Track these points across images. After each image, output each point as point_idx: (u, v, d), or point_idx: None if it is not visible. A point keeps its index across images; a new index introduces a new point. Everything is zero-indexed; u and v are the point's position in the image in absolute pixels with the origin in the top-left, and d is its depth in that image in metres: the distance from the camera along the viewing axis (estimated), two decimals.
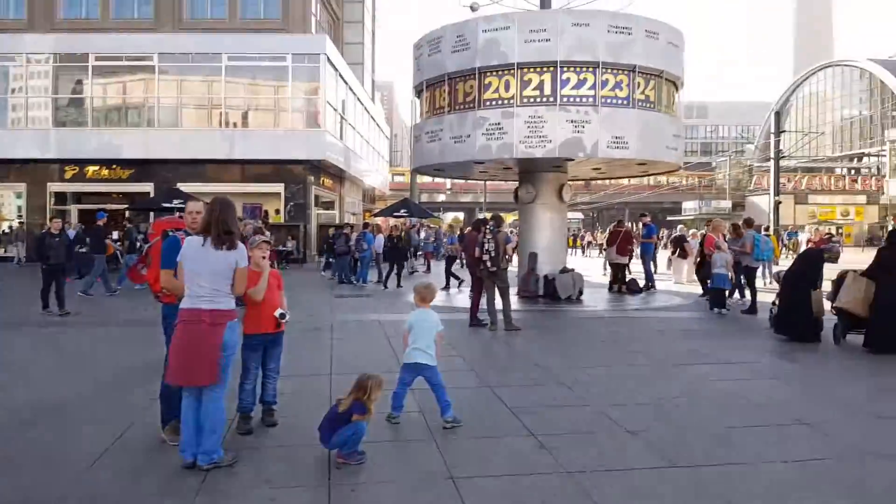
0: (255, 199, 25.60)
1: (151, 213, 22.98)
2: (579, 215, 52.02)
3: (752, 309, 12.06)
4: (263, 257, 5.12)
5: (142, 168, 25.05)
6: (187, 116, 25.60)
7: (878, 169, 59.76)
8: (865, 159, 66.24)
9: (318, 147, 25.08)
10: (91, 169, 25.36)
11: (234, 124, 25.72)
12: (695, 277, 16.10)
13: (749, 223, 13.70)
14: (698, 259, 15.44)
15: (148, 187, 25.06)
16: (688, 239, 19.09)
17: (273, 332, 5.16)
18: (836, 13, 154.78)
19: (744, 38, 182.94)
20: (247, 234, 8.58)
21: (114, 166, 25.24)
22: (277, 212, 25.41)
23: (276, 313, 5.05)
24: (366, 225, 20.50)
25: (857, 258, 22.47)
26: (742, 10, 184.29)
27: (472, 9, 14.52)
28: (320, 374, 7.04)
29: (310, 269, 22.96)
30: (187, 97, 25.50)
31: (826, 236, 28.45)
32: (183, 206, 20.40)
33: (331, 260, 19.65)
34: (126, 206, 23.98)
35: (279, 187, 25.54)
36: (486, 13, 16.41)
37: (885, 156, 44.98)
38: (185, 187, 22.50)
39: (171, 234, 4.86)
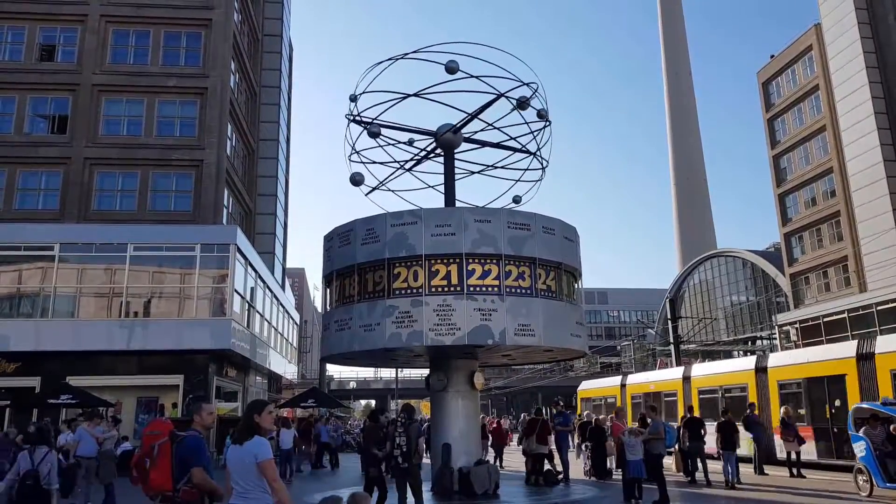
0: (152, 393, 24.08)
1: (35, 411, 21.19)
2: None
3: (664, 498, 11.76)
4: None
5: (30, 361, 23.37)
6: (85, 306, 24.52)
7: (771, 351, 63.09)
8: (759, 342, 70.01)
9: (223, 336, 24.28)
10: None
11: (136, 313, 24.75)
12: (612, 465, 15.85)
13: (655, 410, 13.82)
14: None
15: (34, 382, 23.22)
16: (606, 428, 16.77)
17: None
18: (714, 204, 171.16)
19: (634, 231, 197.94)
20: None
21: None
22: (175, 405, 23.88)
23: None
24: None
25: None
26: (630, 205, 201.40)
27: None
28: None
29: None
30: (87, 286, 24.59)
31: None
32: (72, 401, 19.12)
33: None
34: (7, 402, 22.02)
35: (178, 379, 24.15)
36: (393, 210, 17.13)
37: (775, 338, 47.82)
38: (75, 381, 21.02)
39: (184, 434, 5.24)
